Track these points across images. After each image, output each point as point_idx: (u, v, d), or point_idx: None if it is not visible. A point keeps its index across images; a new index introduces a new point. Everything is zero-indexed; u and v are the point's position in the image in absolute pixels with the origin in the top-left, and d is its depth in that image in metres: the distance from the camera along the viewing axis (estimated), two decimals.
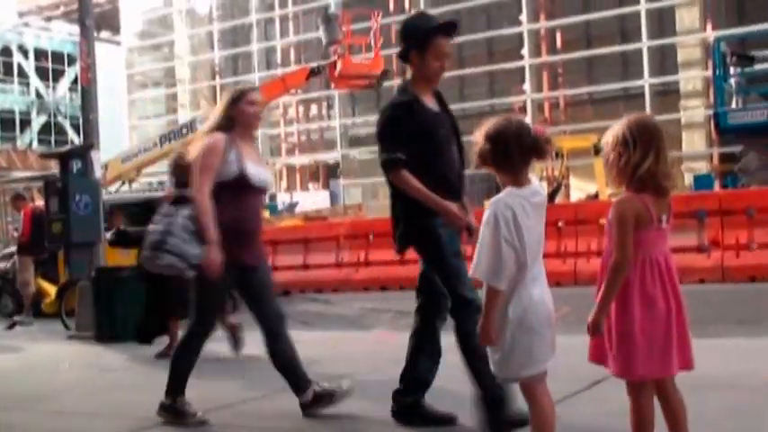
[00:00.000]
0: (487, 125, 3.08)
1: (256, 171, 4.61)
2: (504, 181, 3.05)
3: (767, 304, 7.85)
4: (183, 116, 42.71)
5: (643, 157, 2.91)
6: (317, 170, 45.21)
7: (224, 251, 4.34)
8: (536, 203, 3.04)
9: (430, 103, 4.18)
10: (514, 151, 3.00)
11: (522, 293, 2.98)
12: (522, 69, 35.49)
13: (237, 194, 4.48)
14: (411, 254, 4.34)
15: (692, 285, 9.56)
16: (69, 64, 50.33)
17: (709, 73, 22.43)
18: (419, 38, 4.12)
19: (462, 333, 3.94)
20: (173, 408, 4.59)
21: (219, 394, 5.33)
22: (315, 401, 4.58)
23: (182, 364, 4.67)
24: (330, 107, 43.94)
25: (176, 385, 4.62)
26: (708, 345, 5.10)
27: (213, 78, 48.91)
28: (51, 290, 11.31)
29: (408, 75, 4.26)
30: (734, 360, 5.18)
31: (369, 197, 38.20)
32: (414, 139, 4.01)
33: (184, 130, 22.62)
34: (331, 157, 42.47)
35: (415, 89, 4.15)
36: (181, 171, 7.17)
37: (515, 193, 3.01)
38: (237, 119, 4.56)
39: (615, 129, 3.02)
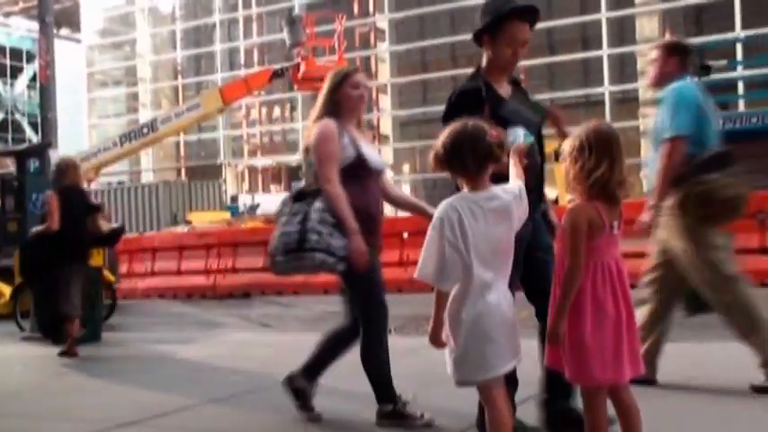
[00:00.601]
0: (446, 129, 3.10)
1: (371, 153, 4.40)
2: (461, 184, 3.08)
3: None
4: (144, 115, 42.26)
5: (597, 164, 2.95)
6: (279, 172, 45.01)
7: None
8: (492, 208, 3.03)
9: (505, 90, 3.91)
10: (468, 156, 3.01)
11: (477, 298, 2.99)
12: None
13: (358, 179, 4.24)
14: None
15: None
16: (28, 61, 49.57)
17: None
18: (492, 21, 3.83)
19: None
20: (394, 413, 4.23)
21: (174, 398, 5.28)
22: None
23: (379, 365, 4.30)
24: (293, 109, 43.79)
25: (386, 388, 4.27)
26: (675, 350, 5.19)
27: (175, 78, 48.47)
28: (6, 290, 11.10)
29: (485, 59, 3.95)
30: (686, 364, 5.26)
31: None
32: None
33: (145, 130, 22.42)
34: (293, 159, 42.30)
35: (488, 75, 3.88)
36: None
37: (467, 196, 3.03)
38: (342, 103, 4.32)
39: (573, 136, 3.06)
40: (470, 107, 3.64)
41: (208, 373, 6.16)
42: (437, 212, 3.03)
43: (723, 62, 23.10)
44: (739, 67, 25.80)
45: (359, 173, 4.24)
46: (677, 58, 4.86)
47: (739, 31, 28.93)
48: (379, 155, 4.51)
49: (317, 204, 4.14)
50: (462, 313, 2.99)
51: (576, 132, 3.05)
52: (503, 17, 3.80)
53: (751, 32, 28.06)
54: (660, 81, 4.88)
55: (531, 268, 3.74)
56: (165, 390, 5.57)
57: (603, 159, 2.95)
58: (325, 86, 4.39)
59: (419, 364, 5.08)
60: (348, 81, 4.35)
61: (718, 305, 4.54)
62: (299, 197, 4.27)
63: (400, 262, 11.75)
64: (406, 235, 12.32)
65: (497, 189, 3.10)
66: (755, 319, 4.39)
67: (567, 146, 3.05)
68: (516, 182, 3.20)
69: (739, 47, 27.58)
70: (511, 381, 3.50)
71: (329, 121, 4.25)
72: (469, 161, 3.01)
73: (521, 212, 3.13)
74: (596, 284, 2.97)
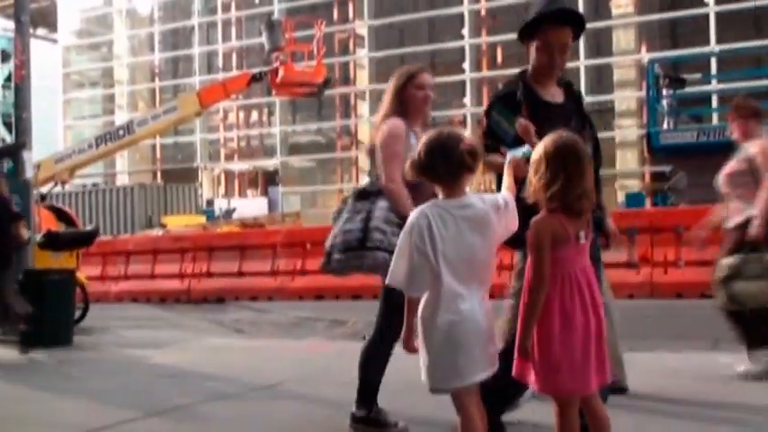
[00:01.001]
0: (424, 137, 3.13)
1: None
2: (438, 192, 3.10)
3: (693, 320, 8.08)
4: (121, 117, 41.97)
5: (554, 178, 2.97)
6: (255, 177, 44.86)
7: None
8: (464, 216, 3.04)
9: (551, 93, 3.83)
10: (440, 164, 3.03)
11: (449, 306, 3.00)
12: (464, 83, 35.87)
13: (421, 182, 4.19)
14: None
15: (622, 300, 9.79)
16: (3, 60, 48.96)
17: (643, 93, 23.03)
18: (525, 26, 3.78)
19: None
20: (368, 419, 4.18)
21: (147, 403, 5.25)
22: None
23: (375, 369, 4.24)
24: (271, 114, 43.69)
25: (370, 394, 4.22)
26: (635, 359, 5.24)
27: (152, 80, 48.19)
28: None
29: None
30: (658, 374, 5.31)
31: (307, 205, 38.14)
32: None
33: (121, 132, 22.22)
34: (270, 163, 42.22)
35: (531, 78, 3.83)
36: None
37: (439, 203, 3.06)
38: (407, 103, 4.23)
39: (536, 148, 3.09)
40: (507, 109, 3.70)
41: (180, 379, 6.12)
42: (409, 219, 3.05)
43: (698, 75, 23.36)
44: (714, 81, 26.11)
45: None
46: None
47: (714, 46, 29.29)
48: None
49: (382, 203, 4.07)
50: (434, 321, 3.01)
51: (538, 145, 3.08)
52: (540, 21, 3.73)
53: (725, 47, 28.43)
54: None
55: None
56: (136, 395, 5.53)
57: (560, 173, 2.96)
58: (391, 85, 4.31)
59: (396, 371, 5.08)
60: (413, 81, 4.25)
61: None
62: (361, 196, 4.18)
63: None
64: None
65: (474, 198, 3.11)
66: None
67: (532, 158, 3.09)
68: (504, 192, 3.22)
69: (714, 61, 27.92)
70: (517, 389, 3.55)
71: (398, 121, 4.19)
72: (443, 170, 3.04)
73: (506, 222, 3.13)
74: (564, 296, 2.99)
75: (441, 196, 3.09)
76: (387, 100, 4.29)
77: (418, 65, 4.64)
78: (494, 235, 3.09)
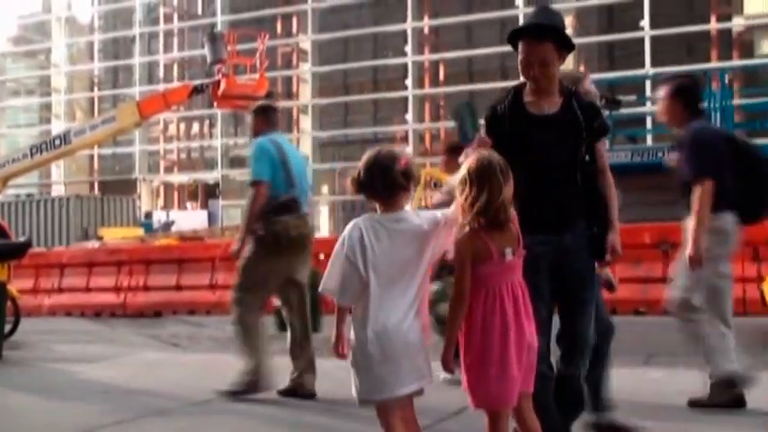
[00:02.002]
0: (365, 155, 3.21)
1: None
2: (375, 207, 3.19)
3: (627, 336, 8.25)
4: (57, 127, 41.13)
5: (478, 194, 3.06)
6: (195, 189, 44.36)
7: None
8: (398, 230, 3.12)
9: (545, 104, 3.71)
10: (378, 182, 3.12)
11: (378, 317, 3.06)
12: (406, 99, 36.14)
13: None
14: None
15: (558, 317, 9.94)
16: None
17: None
18: (508, 40, 3.77)
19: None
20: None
21: (80, 420, 5.14)
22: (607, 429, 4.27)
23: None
24: (212, 126, 43.33)
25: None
26: None
27: (91, 89, 47.38)
28: None
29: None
30: None
31: None
32: (502, 143, 3.60)
33: (57, 142, 21.81)
34: (211, 176, 41.82)
35: (528, 90, 3.75)
36: None
37: (374, 217, 3.16)
38: None
39: (461, 168, 3.18)
40: (495, 120, 3.70)
41: (116, 395, 6.01)
42: (345, 230, 3.13)
43: (632, 97, 23.97)
44: (648, 103, 26.83)
45: None
46: (262, 118, 5.88)
47: (648, 68, 30.10)
48: None
49: None
50: (362, 331, 3.07)
51: (462, 166, 3.17)
52: (511, 38, 3.74)
53: (659, 70, 29.26)
54: None
55: (561, 304, 3.68)
56: (66, 412, 5.41)
57: (483, 189, 3.05)
58: None
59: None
60: (578, 87, 4.10)
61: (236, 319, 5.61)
62: None
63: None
64: (322, 256, 12.30)
65: (410, 213, 3.19)
66: (255, 345, 5.53)
67: (458, 180, 3.18)
68: (447, 210, 3.29)
69: (648, 83, 28.70)
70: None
71: None
72: (379, 187, 3.12)
73: (443, 239, 3.19)
74: (486, 312, 3.06)
75: (378, 211, 3.17)
76: None
77: (580, 72, 4.45)
78: (429, 249, 3.16)
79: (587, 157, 3.67)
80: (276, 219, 5.47)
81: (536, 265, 3.43)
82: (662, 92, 5.07)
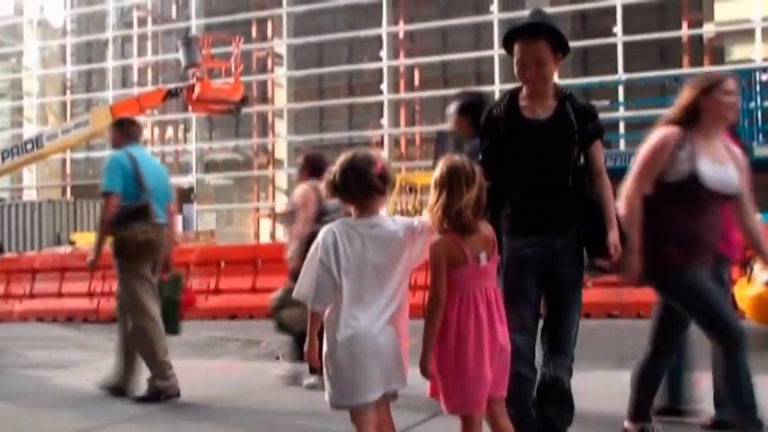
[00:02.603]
0: (339, 158, 3.21)
1: (715, 171, 3.93)
2: (351, 211, 3.18)
3: (599, 339, 8.31)
4: (30, 131, 40.67)
5: (448, 198, 3.08)
6: None
7: (667, 257, 3.89)
8: (372, 235, 3.11)
9: (538, 108, 3.71)
10: (353, 185, 3.10)
11: (349, 322, 3.05)
12: (381, 104, 36.17)
13: (688, 197, 3.91)
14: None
15: None
16: None
17: None
18: (504, 40, 3.77)
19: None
20: None
21: (51, 426, 5.09)
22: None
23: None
24: (187, 130, 43.08)
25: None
26: None
27: (64, 93, 46.90)
28: None
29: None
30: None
31: (223, 223, 37.67)
32: (497, 147, 3.65)
33: (29, 146, 21.60)
34: (186, 180, 41.55)
35: (523, 94, 3.76)
36: None
37: (348, 221, 3.14)
38: (708, 110, 3.97)
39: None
40: (490, 124, 3.70)
41: (88, 400, 5.96)
42: (318, 235, 3.10)
43: (606, 102, 24.18)
44: (621, 108, 27.04)
45: (690, 191, 3.91)
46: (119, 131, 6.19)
47: (621, 74, 30.34)
48: (733, 174, 4.00)
49: None
50: (334, 336, 3.06)
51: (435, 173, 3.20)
52: (505, 40, 3.74)
53: (632, 75, 29.50)
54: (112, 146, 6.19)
55: (548, 307, 3.75)
56: (38, 418, 5.36)
57: (453, 193, 3.08)
58: (689, 91, 4.08)
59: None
60: (721, 87, 4.02)
61: (128, 327, 5.86)
62: None
63: (253, 289, 11.82)
64: (260, 262, 12.26)
65: (385, 219, 3.18)
66: (152, 350, 5.74)
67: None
68: (422, 217, 3.30)
69: (621, 89, 28.91)
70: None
71: (674, 130, 4.00)
72: (355, 191, 3.11)
73: (421, 246, 3.19)
74: (460, 316, 3.07)
75: (353, 215, 3.16)
76: (677, 104, 4.11)
77: (722, 73, 4.36)
78: (405, 255, 3.15)
79: (582, 161, 3.69)
80: (124, 225, 5.75)
81: (524, 266, 3.53)
82: (451, 108, 5.57)
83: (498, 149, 3.64)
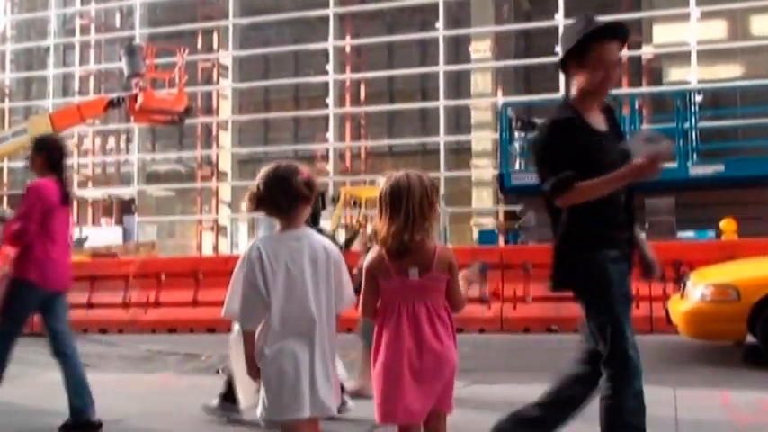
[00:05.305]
0: (261, 170, 3.18)
1: None
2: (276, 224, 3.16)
3: (539, 353, 8.43)
4: None
5: (379, 217, 3.14)
6: (110, 205, 43.27)
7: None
8: (297, 249, 3.09)
9: (596, 120, 3.64)
10: (279, 194, 3.08)
11: (276, 339, 3.03)
12: (327, 118, 36.16)
13: None
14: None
15: (473, 335, 10.10)
16: None
17: (497, 135, 24.00)
18: (578, 43, 3.55)
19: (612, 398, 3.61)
20: None
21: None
22: None
23: None
24: (129, 141, 42.43)
25: None
26: (479, 391, 5.41)
27: (2, 100, 45.83)
28: None
29: (573, 89, 3.70)
30: (500, 406, 5.49)
31: (165, 236, 37.14)
32: (573, 165, 3.44)
33: None
34: (127, 192, 40.89)
35: (579, 104, 3.62)
36: None
37: (275, 236, 3.11)
38: None
39: None
40: (563, 140, 3.50)
41: (21, 416, 5.82)
42: (244, 252, 3.08)
43: None
44: None
45: None
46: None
47: (563, 92, 30.95)
48: None
49: None
50: (263, 353, 3.04)
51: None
52: (589, 38, 3.54)
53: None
54: None
55: None
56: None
57: (383, 212, 3.13)
58: None
59: None
60: None
61: None
62: None
63: (194, 302, 11.73)
64: (201, 275, 12.15)
65: (310, 231, 3.17)
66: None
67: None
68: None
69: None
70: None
71: None
72: (281, 201, 3.09)
73: (339, 276, 3.19)
74: (388, 327, 3.11)
75: (277, 229, 3.13)
76: None
77: None
78: (329, 269, 3.15)
79: None
80: None
81: (625, 278, 3.56)
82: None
83: (573, 160, 3.48)
